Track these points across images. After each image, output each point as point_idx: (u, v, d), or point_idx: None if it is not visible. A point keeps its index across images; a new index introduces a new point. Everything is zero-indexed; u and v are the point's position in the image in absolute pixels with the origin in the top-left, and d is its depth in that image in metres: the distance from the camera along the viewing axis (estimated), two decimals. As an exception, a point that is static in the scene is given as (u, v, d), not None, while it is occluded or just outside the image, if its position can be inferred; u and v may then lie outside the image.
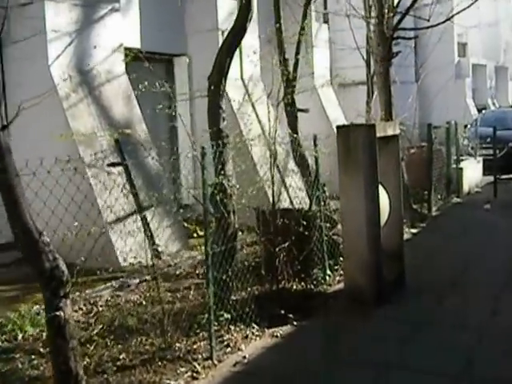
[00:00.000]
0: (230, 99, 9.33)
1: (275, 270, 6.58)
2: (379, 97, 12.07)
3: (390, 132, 6.83)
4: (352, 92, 24.77)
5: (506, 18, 38.17)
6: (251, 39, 9.70)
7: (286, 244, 6.65)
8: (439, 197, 12.53)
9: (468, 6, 12.59)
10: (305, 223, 6.80)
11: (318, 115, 13.57)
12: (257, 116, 10.74)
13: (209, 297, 5.02)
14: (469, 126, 19.13)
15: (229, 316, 5.53)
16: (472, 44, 35.59)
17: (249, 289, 6.33)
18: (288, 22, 9.73)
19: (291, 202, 9.18)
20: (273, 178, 6.58)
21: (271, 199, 6.68)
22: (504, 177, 15.11)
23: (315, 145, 7.23)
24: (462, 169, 13.12)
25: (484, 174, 15.29)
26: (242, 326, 5.52)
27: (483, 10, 36.98)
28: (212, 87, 6.11)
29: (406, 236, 9.59)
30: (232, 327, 5.47)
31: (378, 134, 6.46)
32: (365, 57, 14.51)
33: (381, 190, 6.81)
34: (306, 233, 6.87)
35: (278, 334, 5.55)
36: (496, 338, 5.35)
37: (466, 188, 13.43)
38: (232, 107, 10.15)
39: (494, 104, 35.02)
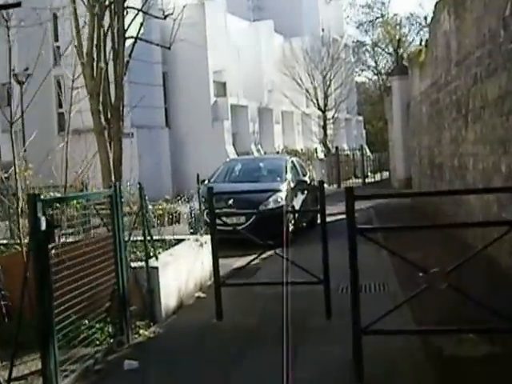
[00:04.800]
0: None
1: None
2: None
3: None
4: (91, 140, 19.10)
5: (268, 55, 34.19)
6: None
7: None
8: (108, 332, 6.16)
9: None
10: None
11: None
12: None
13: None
14: (206, 181, 13.30)
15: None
16: (231, 83, 30.90)
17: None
18: None
19: None
20: None
21: None
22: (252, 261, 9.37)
23: None
24: (156, 268, 6.82)
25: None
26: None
27: (243, 43, 32.70)
28: None
29: None
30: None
31: None
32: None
33: None
34: None
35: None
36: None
37: (169, 303, 7.15)
38: None
39: (258, 150, 30.37)
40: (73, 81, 8.32)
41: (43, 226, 4.67)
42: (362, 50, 55.71)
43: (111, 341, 6.10)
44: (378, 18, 55.19)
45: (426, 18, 59.69)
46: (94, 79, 17.62)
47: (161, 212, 9.50)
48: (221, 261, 10.38)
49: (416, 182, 19.23)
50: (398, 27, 54.02)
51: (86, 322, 5.92)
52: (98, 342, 6.00)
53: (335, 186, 30.88)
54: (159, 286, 6.81)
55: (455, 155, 12.27)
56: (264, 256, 10.75)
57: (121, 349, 6.05)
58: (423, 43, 29.99)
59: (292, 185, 12.97)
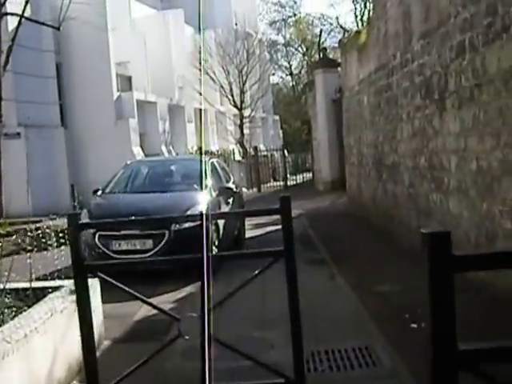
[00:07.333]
0: None
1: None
2: None
3: None
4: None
5: (179, 48, 31.02)
6: None
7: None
8: None
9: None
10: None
11: None
12: None
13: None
14: (100, 191, 10.14)
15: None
16: (137, 77, 27.46)
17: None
18: None
19: None
20: None
21: None
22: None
23: None
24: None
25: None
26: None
27: (150, 34, 29.38)
28: None
29: None
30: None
31: None
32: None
33: None
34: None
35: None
36: None
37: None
38: None
39: (169, 152, 27.13)
40: None
41: None
42: (274, 50, 53.54)
43: None
44: (290, 16, 53.47)
45: (337, 19, 58.44)
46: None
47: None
48: (118, 308, 7.29)
49: (353, 186, 16.65)
50: (310, 27, 52.39)
51: None
52: None
53: (255, 189, 28.28)
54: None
55: (421, 152, 9.65)
56: (183, 294, 7.81)
57: None
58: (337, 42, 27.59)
59: (214, 194, 9.92)
